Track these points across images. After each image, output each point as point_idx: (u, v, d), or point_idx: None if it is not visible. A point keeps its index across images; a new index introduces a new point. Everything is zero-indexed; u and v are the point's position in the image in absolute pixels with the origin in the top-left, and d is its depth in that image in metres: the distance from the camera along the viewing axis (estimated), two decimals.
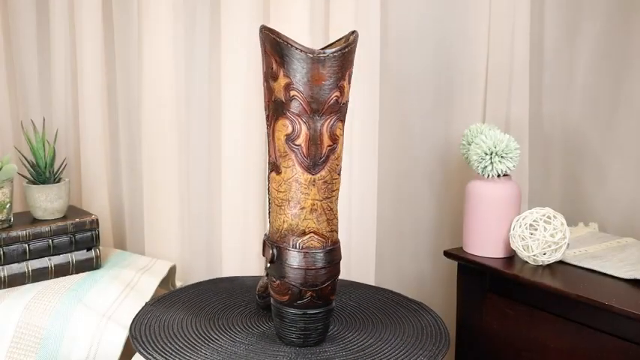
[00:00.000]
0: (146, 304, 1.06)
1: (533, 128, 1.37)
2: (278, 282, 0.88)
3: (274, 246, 0.89)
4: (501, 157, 1.12)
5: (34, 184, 1.19)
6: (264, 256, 0.93)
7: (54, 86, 1.36)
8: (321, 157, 0.86)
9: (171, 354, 0.88)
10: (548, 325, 1.04)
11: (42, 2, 1.36)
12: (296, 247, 0.87)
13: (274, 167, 0.88)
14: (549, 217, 1.08)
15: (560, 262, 1.11)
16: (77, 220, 1.18)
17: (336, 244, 0.89)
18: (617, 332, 0.95)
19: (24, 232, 1.13)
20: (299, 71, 0.84)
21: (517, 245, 1.10)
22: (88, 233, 1.19)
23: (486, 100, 1.33)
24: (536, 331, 1.06)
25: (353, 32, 0.87)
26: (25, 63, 1.37)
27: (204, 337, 0.94)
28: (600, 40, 1.34)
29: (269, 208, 0.92)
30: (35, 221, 1.17)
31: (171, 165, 1.34)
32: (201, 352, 0.89)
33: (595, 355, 0.98)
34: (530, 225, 1.09)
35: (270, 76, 0.86)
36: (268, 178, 0.90)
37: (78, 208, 1.28)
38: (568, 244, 1.09)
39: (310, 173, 0.86)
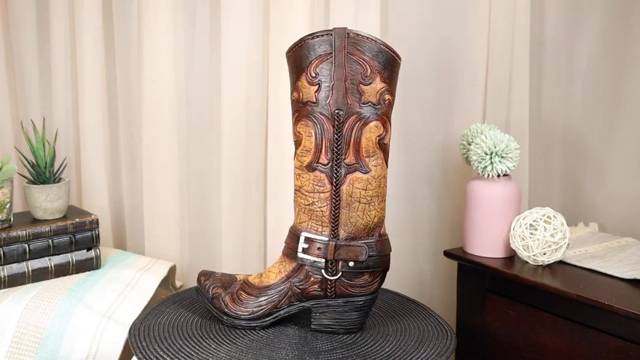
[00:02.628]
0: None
1: (533, 128, 1.37)
2: (366, 275, 0.94)
3: (364, 243, 0.93)
4: (501, 157, 1.12)
5: (34, 184, 1.19)
6: (319, 257, 0.93)
7: (54, 86, 1.36)
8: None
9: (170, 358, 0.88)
10: (548, 325, 1.04)
11: (42, 2, 1.36)
12: (382, 236, 0.95)
13: (357, 168, 0.91)
14: (549, 217, 1.08)
15: (560, 262, 1.11)
16: (77, 220, 1.18)
17: None
18: (617, 332, 0.95)
19: (24, 232, 1.12)
20: (393, 77, 0.93)
21: (517, 245, 1.10)
22: (88, 233, 1.19)
23: (486, 100, 1.33)
24: (536, 331, 1.06)
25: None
26: (25, 63, 1.37)
27: (204, 342, 0.94)
28: (600, 40, 1.35)
29: (334, 210, 0.92)
30: (35, 221, 1.17)
31: (171, 165, 1.34)
32: (202, 356, 0.89)
33: (595, 355, 0.98)
34: (530, 225, 1.09)
35: (359, 81, 0.90)
36: (342, 179, 0.91)
37: (78, 208, 1.28)
38: (568, 244, 1.09)
39: (387, 167, 0.95)
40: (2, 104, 1.37)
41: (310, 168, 0.92)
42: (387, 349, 0.91)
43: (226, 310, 0.97)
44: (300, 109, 0.92)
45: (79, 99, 1.36)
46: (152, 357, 0.88)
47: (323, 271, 0.93)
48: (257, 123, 1.30)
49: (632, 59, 1.30)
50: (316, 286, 0.94)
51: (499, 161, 1.12)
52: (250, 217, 1.33)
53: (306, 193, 0.93)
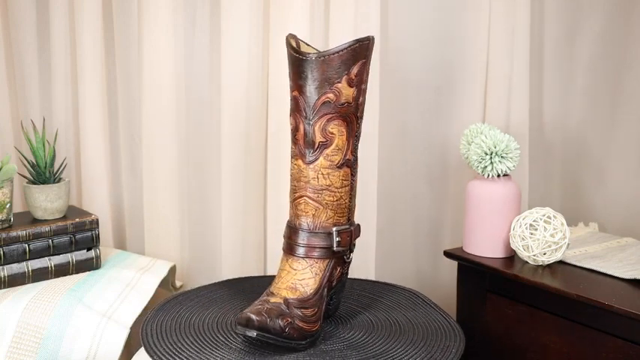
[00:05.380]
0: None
1: (533, 128, 1.37)
2: (351, 257, 1.01)
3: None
4: (501, 157, 1.12)
5: (34, 184, 1.19)
6: (343, 246, 0.97)
7: (54, 86, 1.36)
8: None
9: (180, 356, 0.88)
10: (548, 325, 1.04)
11: (42, 2, 1.36)
12: None
13: (356, 158, 0.99)
14: (549, 217, 1.08)
15: (560, 262, 1.11)
16: (77, 220, 1.18)
17: None
18: (617, 332, 0.95)
19: (24, 232, 1.12)
20: None
21: (517, 245, 1.10)
22: (88, 233, 1.19)
23: (486, 100, 1.33)
24: (536, 331, 1.06)
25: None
26: (25, 63, 1.37)
27: (212, 343, 0.94)
28: (600, 40, 1.35)
29: (352, 199, 0.99)
30: (35, 221, 1.17)
31: (171, 165, 1.34)
32: (211, 354, 0.89)
33: (595, 355, 0.98)
34: (530, 225, 1.09)
35: (363, 81, 0.96)
36: (355, 171, 1.00)
37: (78, 208, 1.28)
38: (568, 244, 1.09)
39: None
40: (2, 104, 1.37)
41: (340, 165, 0.96)
42: (394, 351, 0.91)
43: (306, 333, 0.91)
44: (338, 111, 0.93)
45: (79, 99, 1.36)
46: (164, 355, 0.88)
47: (345, 256, 0.99)
48: (257, 123, 1.30)
49: (632, 59, 1.30)
50: (340, 272, 0.99)
51: (499, 161, 1.12)
52: (250, 217, 1.33)
53: (335, 190, 0.96)
